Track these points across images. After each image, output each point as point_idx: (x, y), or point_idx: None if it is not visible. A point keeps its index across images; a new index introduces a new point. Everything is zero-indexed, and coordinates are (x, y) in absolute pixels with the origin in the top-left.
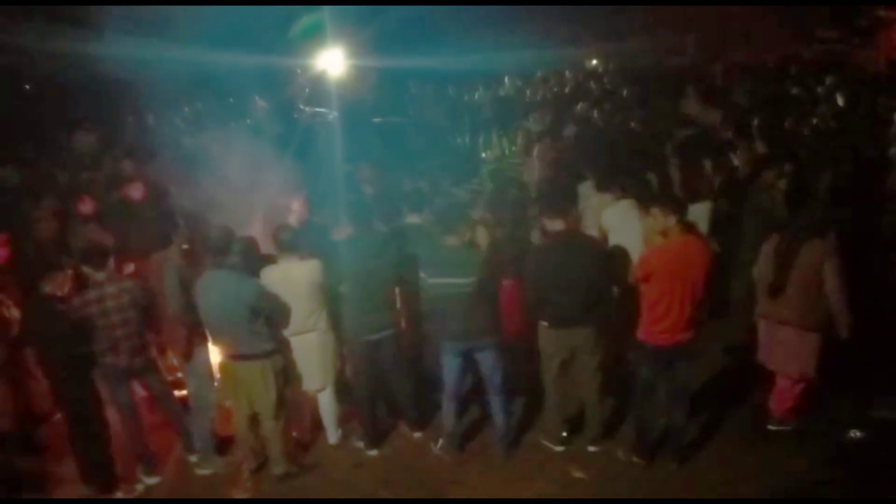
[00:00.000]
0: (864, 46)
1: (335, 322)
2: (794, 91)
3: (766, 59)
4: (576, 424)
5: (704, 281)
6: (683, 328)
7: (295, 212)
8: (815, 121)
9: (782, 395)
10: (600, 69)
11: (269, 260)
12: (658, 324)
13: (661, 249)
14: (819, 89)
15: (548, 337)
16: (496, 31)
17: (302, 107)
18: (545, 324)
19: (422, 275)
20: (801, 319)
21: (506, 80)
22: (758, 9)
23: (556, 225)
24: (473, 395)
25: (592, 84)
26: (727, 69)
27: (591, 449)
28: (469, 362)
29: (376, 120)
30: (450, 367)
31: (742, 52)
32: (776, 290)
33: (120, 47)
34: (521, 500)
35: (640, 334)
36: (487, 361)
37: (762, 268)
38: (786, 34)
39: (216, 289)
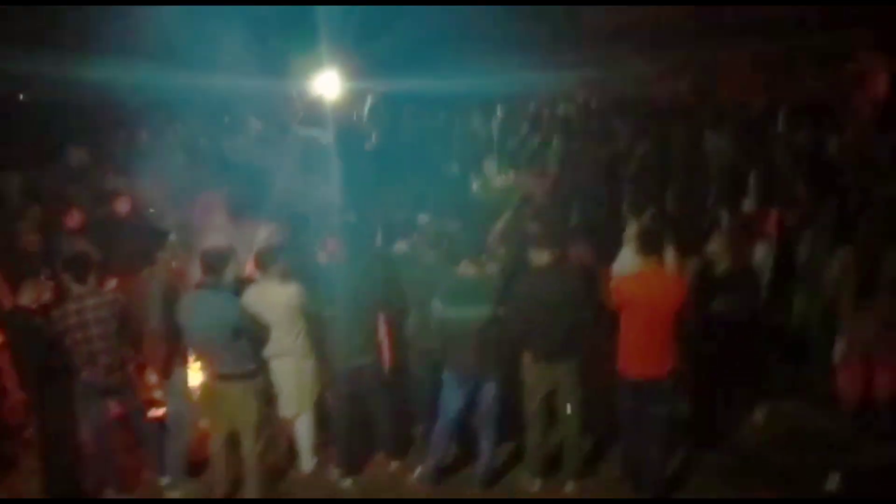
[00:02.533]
0: (850, 91)
1: (316, 347)
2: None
3: (754, 101)
4: (555, 459)
5: (677, 316)
6: (656, 362)
7: (275, 234)
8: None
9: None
10: (592, 103)
11: (250, 281)
12: (631, 356)
13: (632, 278)
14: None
15: (531, 371)
16: (493, 54)
17: (296, 128)
18: (529, 357)
19: (437, 305)
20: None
21: (498, 109)
22: (747, 52)
23: (543, 257)
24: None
25: (580, 115)
26: (716, 108)
27: (570, 485)
28: (471, 394)
29: (370, 144)
30: (453, 399)
31: (730, 93)
32: (869, 292)
33: (117, 72)
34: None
35: (619, 365)
36: (490, 393)
37: (842, 275)
38: (773, 78)
39: (201, 307)
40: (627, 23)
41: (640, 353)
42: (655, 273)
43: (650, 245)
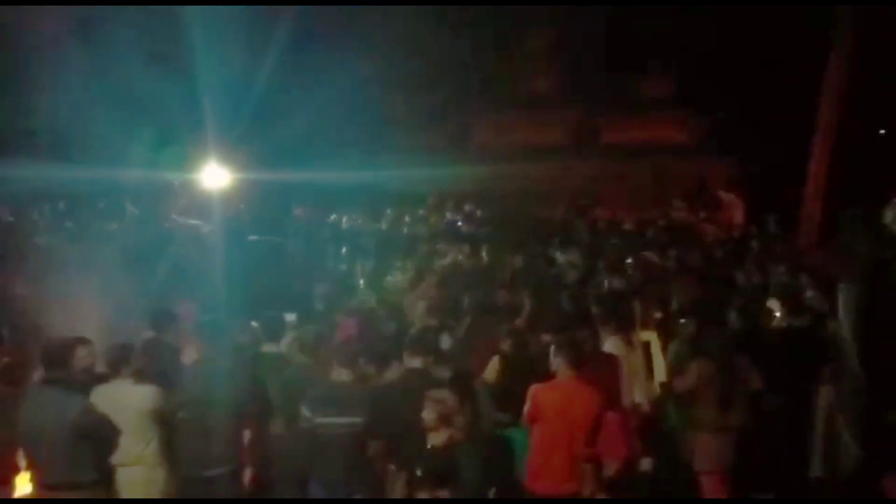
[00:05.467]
0: (708, 220)
1: (168, 455)
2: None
3: (626, 221)
4: None
5: (590, 429)
6: (565, 478)
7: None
8: None
9: None
10: (478, 213)
11: (102, 379)
12: (540, 469)
13: (547, 388)
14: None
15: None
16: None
17: (174, 217)
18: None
19: (305, 413)
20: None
21: (387, 212)
22: (619, 177)
23: (414, 362)
24: None
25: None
26: (592, 224)
27: None
28: None
29: (253, 237)
30: None
31: (605, 213)
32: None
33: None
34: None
35: (526, 479)
36: None
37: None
38: (645, 203)
39: (39, 406)
40: (514, 140)
41: (548, 468)
42: (568, 383)
43: (574, 356)
